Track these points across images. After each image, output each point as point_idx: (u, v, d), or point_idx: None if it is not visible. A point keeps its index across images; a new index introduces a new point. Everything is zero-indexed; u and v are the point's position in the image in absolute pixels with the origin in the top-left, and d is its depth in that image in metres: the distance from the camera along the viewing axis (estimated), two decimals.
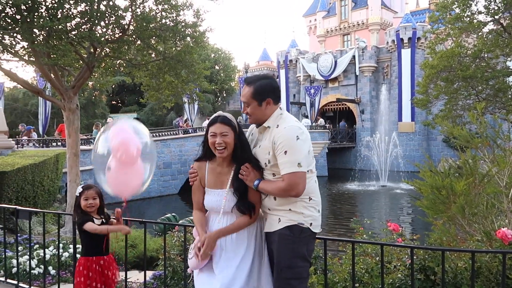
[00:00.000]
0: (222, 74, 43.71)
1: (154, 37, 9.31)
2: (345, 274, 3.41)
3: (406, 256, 3.30)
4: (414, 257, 2.80)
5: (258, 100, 2.35)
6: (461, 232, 4.27)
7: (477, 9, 13.82)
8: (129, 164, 2.74)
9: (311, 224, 2.29)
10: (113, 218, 3.09)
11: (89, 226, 2.96)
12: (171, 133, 22.18)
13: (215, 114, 2.44)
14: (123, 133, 2.77)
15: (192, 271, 2.44)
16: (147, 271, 3.59)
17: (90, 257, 2.99)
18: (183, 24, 9.38)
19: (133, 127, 2.85)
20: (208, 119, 2.83)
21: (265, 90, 2.35)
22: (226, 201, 2.34)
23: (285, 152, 2.19)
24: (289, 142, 2.20)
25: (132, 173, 2.78)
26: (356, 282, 3.23)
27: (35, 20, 7.06)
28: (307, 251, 2.30)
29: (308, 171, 2.28)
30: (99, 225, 2.98)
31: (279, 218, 2.29)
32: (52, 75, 8.61)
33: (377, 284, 3.17)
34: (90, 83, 17.23)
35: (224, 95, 45.56)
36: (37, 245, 5.58)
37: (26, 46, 7.87)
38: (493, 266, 3.08)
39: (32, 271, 4.55)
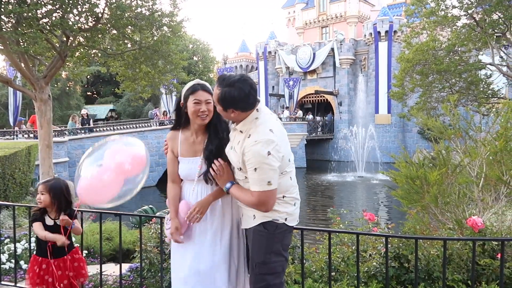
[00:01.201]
0: (200, 65, 43.27)
1: (129, 26, 9.08)
2: (322, 263, 3.45)
3: (381, 245, 3.36)
4: (389, 246, 2.85)
5: (223, 106, 2.19)
6: (434, 220, 4.39)
7: (451, 4, 14.12)
8: (124, 174, 2.68)
9: (286, 219, 2.27)
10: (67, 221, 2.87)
11: (35, 227, 2.84)
12: (146, 125, 21.83)
13: (193, 82, 2.40)
14: (131, 148, 2.79)
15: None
16: (123, 264, 3.54)
17: (37, 257, 2.87)
18: (159, 13, 9.18)
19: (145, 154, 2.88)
20: None
21: (227, 101, 2.15)
22: (201, 169, 2.34)
23: (255, 169, 2.10)
24: (259, 159, 2.08)
25: (116, 183, 2.69)
26: (333, 271, 3.27)
27: (3, 6, 6.75)
28: (282, 246, 2.28)
29: (282, 172, 2.21)
30: (50, 225, 2.83)
31: (254, 215, 2.27)
32: (22, 64, 8.29)
33: (352, 272, 3.22)
34: (64, 73, 16.73)
35: None
36: (7, 239, 5.41)
37: None
38: (463, 253, 3.18)
39: (2, 265, 4.42)
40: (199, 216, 2.31)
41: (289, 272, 3.27)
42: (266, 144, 2.09)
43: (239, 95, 2.12)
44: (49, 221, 2.87)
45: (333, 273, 3.27)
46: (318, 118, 32.77)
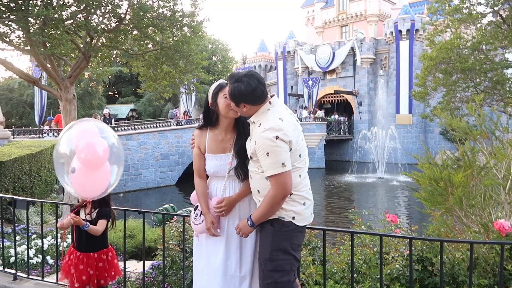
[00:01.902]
0: (219, 65, 43.48)
1: (151, 27, 9.23)
2: (343, 264, 3.42)
3: (404, 247, 3.31)
4: (412, 248, 2.81)
5: (235, 102, 2.28)
6: (459, 223, 4.29)
7: (477, 1, 13.74)
8: (95, 166, 2.66)
9: (293, 218, 2.26)
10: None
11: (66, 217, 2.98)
12: (166, 124, 22.11)
13: (220, 81, 2.50)
14: (88, 134, 2.70)
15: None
16: (145, 261, 3.59)
17: (71, 247, 3.00)
18: (180, 13, 9.29)
19: (97, 127, 2.79)
20: None
21: (236, 96, 2.25)
22: (231, 166, 2.40)
23: (267, 154, 2.15)
24: (269, 143, 2.14)
25: (98, 175, 2.70)
26: (355, 273, 3.24)
27: (30, 8, 6.96)
28: (291, 245, 2.27)
29: (292, 167, 2.23)
30: (83, 219, 2.93)
31: None
32: (48, 64, 8.53)
33: (375, 275, 3.18)
34: (87, 73, 17.11)
35: None
36: (34, 235, 5.58)
37: (21, 35, 7.77)
38: (490, 257, 3.10)
39: (30, 260, 4.56)
40: (225, 211, 2.38)
41: (310, 273, 3.25)
42: (274, 130, 2.15)
43: (246, 89, 2.21)
44: (83, 215, 2.97)
45: (355, 275, 3.23)
46: (341, 118, 32.41)
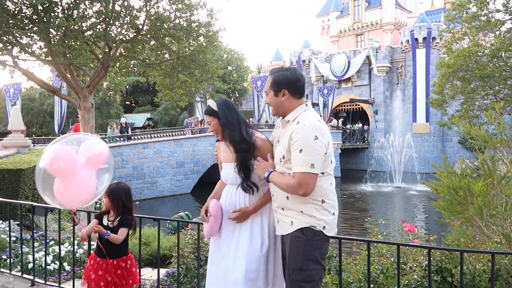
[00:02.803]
0: (234, 75, 43.81)
1: (168, 37, 9.38)
2: (359, 274, 3.36)
3: (422, 257, 3.23)
4: (431, 258, 2.74)
5: (274, 90, 2.33)
6: (479, 233, 4.18)
7: (495, 7, 13.55)
8: (66, 174, 2.64)
9: (324, 227, 2.24)
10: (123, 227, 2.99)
11: (93, 221, 3.04)
12: (182, 133, 22.31)
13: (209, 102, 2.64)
14: (55, 150, 2.70)
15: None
16: (160, 269, 3.60)
17: (92, 253, 3.05)
18: (196, 23, 9.43)
19: (67, 141, 2.80)
20: None
21: (280, 81, 2.31)
22: (233, 173, 2.47)
23: (300, 150, 2.14)
24: (306, 141, 2.14)
25: (77, 183, 2.67)
26: (371, 283, 3.18)
27: (52, 20, 7.17)
28: (320, 254, 2.25)
29: (323, 173, 2.24)
30: (105, 226, 2.97)
31: (292, 221, 2.26)
32: (68, 74, 8.74)
33: (392, 285, 3.12)
34: (105, 83, 17.46)
35: (237, 95, 45.67)
36: (52, 241, 5.66)
37: (42, 46, 8.00)
38: None
39: (47, 266, 4.62)
40: (239, 219, 2.45)
41: (325, 283, 3.21)
42: (313, 129, 2.18)
43: (292, 76, 2.32)
44: (105, 222, 3.01)
45: (372, 285, 3.17)
46: (365, 126, 32.18)
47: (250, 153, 2.42)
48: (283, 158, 2.27)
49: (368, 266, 2.68)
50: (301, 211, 2.24)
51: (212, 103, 2.54)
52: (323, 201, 2.24)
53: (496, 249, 3.20)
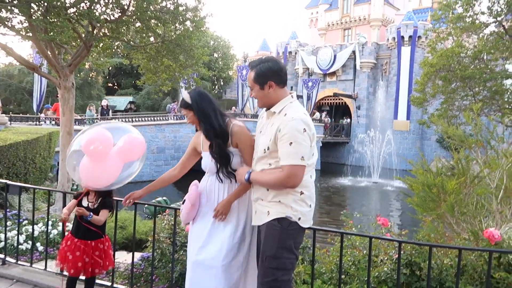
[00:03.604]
0: (220, 62, 43.43)
1: (154, 19, 9.19)
2: (332, 265, 3.44)
3: (393, 251, 3.32)
4: (401, 252, 2.82)
5: (259, 84, 2.32)
6: (449, 230, 4.31)
7: (480, 10, 13.78)
8: (98, 156, 2.75)
9: (299, 218, 2.27)
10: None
11: (71, 202, 3.00)
12: (163, 118, 22.07)
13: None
14: (96, 132, 2.82)
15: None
16: (135, 253, 3.59)
17: (68, 233, 3.02)
18: (183, 7, 9.27)
19: (109, 128, 2.93)
20: None
21: (265, 73, 2.30)
22: (212, 162, 2.51)
23: (291, 143, 2.17)
24: (296, 133, 2.17)
25: (104, 167, 2.78)
26: (343, 274, 3.25)
27: None
28: (294, 244, 2.29)
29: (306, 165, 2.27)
30: (85, 207, 2.94)
31: (268, 211, 2.29)
32: (48, 52, 8.49)
33: (363, 277, 3.20)
34: (87, 63, 17.07)
35: (222, 83, 45.34)
36: (26, 221, 5.56)
37: (23, 21, 7.73)
38: (478, 265, 3.12)
39: (19, 246, 4.54)
40: (223, 216, 2.46)
41: (298, 272, 3.27)
42: (302, 122, 2.21)
43: (274, 66, 2.32)
44: (84, 202, 2.99)
45: (343, 276, 3.25)
46: (346, 120, 32.45)
47: (226, 142, 2.44)
48: (268, 149, 2.28)
49: (340, 257, 2.74)
50: (279, 201, 2.27)
51: (186, 96, 2.52)
52: (302, 193, 2.27)
53: (463, 246, 3.32)
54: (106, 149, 2.76)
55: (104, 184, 2.86)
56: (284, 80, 2.37)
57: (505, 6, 13.00)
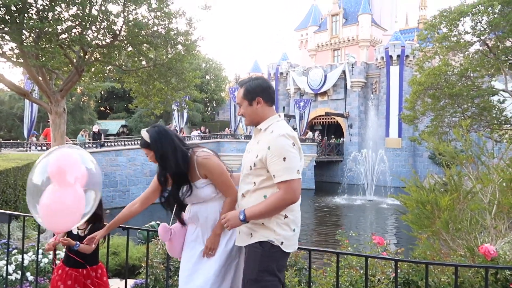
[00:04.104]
0: (212, 84, 43.78)
1: (145, 44, 9.30)
2: (329, 286, 3.38)
3: (390, 270, 3.29)
4: (398, 271, 2.79)
5: (248, 100, 2.34)
6: (445, 247, 4.30)
7: (464, 30, 14.18)
8: (64, 179, 2.44)
9: (282, 243, 2.22)
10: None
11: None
12: None
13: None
14: (66, 156, 2.54)
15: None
16: (128, 279, 3.51)
17: (60, 263, 2.93)
18: (175, 32, 9.39)
19: (78, 153, 2.63)
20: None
21: (254, 89, 2.34)
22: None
23: (284, 158, 2.16)
24: (287, 149, 2.18)
25: (70, 196, 2.47)
26: None
27: (25, 21, 6.98)
28: (277, 266, 2.24)
29: None
30: (75, 234, 2.86)
31: (251, 233, 2.26)
32: (40, 77, 8.50)
33: None
34: (79, 88, 17.10)
35: (214, 105, 45.58)
36: (15, 250, 5.42)
37: (14, 47, 7.77)
38: (475, 281, 3.10)
39: (9, 276, 4.42)
40: (213, 251, 2.43)
41: None
42: (289, 137, 2.22)
43: (264, 83, 2.38)
44: (75, 230, 2.90)
45: None
46: (342, 139, 32.68)
47: (186, 182, 2.42)
48: (254, 165, 2.26)
49: (337, 278, 2.70)
50: (262, 224, 2.23)
51: (145, 135, 2.45)
52: (286, 216, 2.23)
53: (460, 262, 3.30)
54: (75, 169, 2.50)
55: (74, 218, 2.57)
56: (272, 98, 2.39)
57: (488, 26, 13.39)
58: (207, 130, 28.93)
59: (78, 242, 2.80)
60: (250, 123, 2.41)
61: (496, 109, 14.74)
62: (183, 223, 2.56)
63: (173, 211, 2.50)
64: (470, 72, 14.59)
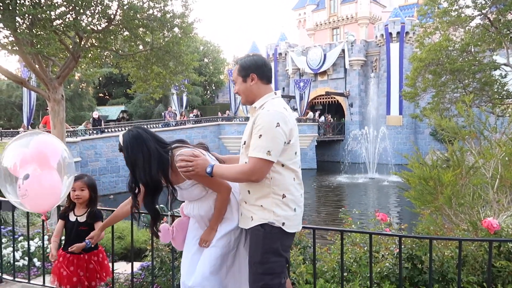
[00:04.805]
0: (211, 67, 43.43)
1: (141, 28, 9.16)
2: (333, 263, 3.42)
3: (394, 246, 3.31)
4: (402, 247, 2.81)
5: (242, 76, 2.29)
6: (448, 222, 4.32)
7: (465, 3, 13.92)
8: (48, 162, 2.54)
9: (283, 223, 2.19)
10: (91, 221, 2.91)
11: (58, 223, 2.93)
12: (155, 125, 21.98)
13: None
14: (48, 142, 2.63)
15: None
16: (135, 262, 3.55)
17: (60, 250, 2.93)
18: (171, 14, 9.24)
19: (56, 140, 2.76)
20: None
21: (248, 66, 2.28)
22: (185, 191, 2.42)
23: (260, 135, 2.09)
24: (267, 126, 2.09)
25: (52, 180, 2.55)
26: (345, 271, 3.24)
27: (18, 8, 6.86)
28: (282, 246, 2.22)
29: (283, 165, 2.19)
30: (72, 221, 2.88)
31: (252, 216, 2.23)
32: (36, 65, 8.41)
33: (365, 273, 3.18)
34: (77, 74, 16.98)
35: (213, 88, 45.32)
36: (21, 237, 5.48)
37: (8, 35, 7.66)
38: (478, 255, 3.12)
39: (16, 263, 4.48)
40: (208, 243, 2.40)
41: (300, 272, 3.24)
42: (277, 115, 2.13)
43: (259, 60, 2.31)
44: (72, 217, 2.91)
45: (345, 274, 3.23)
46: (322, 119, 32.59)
47: (159, 191, 2.34)
48: (245, 143, 2.23)
49: (341, 255, 2.72)
50: (261, 206, 2.20)
51: (120, 139, 2.32)
52: (284, 196, 2.19)
53: (463, 237, 3.32)
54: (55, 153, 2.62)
55: (55, 200, 2.67)
56: (268, 76, 2.32)
57: None
58: (199, 113, 28.28)
59: (89, 240, 2.82)
60: (245, 101, 2.34)
61: (497, 83, 14.61)
62: (157, 236, 2.52)
63: (170, 200, 2.42)
64: (472, 47, 14.39)
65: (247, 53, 2.42)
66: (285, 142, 2.15)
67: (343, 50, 31.53)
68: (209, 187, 2.34)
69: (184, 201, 2.57)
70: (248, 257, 2.32)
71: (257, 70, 2.27)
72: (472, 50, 14.59)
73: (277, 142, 2.10)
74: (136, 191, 2.37)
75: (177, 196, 2.38)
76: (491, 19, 13.68)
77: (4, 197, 2.77)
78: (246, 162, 2.19)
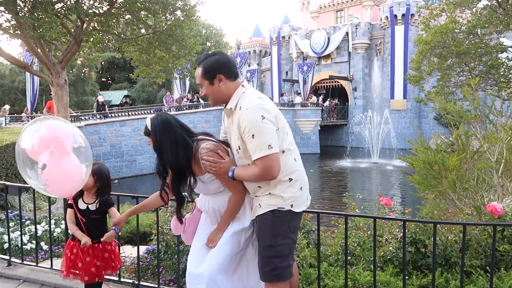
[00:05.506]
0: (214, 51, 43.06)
1: (143, 11, 9.05)
2: (337, 247, 3.45)
3: (398, 230, 3.33)
4: (406, 231, 2.82)
5: (209, 79, 2.21)
6: (452, 206, 4.33)
7: None
8: (64, 155, 2.51)
9: (292, 205, 2.22)
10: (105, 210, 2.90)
11: (67, 214, 2.88)
12: (159, 110, 21.92)
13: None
14: (58, 128, 2.60)
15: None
16: (140, 246, 3.59)
17: (70, 241, 2.89)
18: None
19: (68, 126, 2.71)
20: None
21: (212, 67, 2.19)
22: (201, 185, 2.42)
23: (253, 135, 2.07)
24: (254, 124, 2.06)
25: (70, 164, 2.54)
26: (348, 255, 3.26)
27: None
28: (289, 228, 2.25)
29: (283, 151, 2.19)
30: (83, 209, 2.84)
31: (260, 204, 2.25)
32: (38, 49, 8.37)
33: (369, 257, 3.21)
34: (79, 59, 16.89)
35: None
36: (28, 221, 5.55)
37: (10, 19, 7.60)
38: (482, 239, 3.13)
39: (24, 246, 4.54)
40: (214, 243, 2.39)
41: (304, 256, 3.27)
42: (257, 109, 2.10)
43: (222, 58, 2.21)
44: (82, 205, 2.86)
45: (349, 257, 3.26)
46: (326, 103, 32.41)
47: (185, 177, 2.33)
48: (239, 148, 2.21)
49: (345, 239, 2.73)
50: (269, 193, 2.22)
51: (148, 122, 2.33)
52: (290, 179, 2.21)
53: (467, 221, 3.33)
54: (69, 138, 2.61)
55: (77, 184, 2.66)
56: (235, 72, 2.25)
57: None
58: (195, 96, 27.53)
59: (117, 227, 2.80)
60: (215, 102, 2.29)
61: (504, 66, 14.40)
62: (181, 221, 2.53)
63: (189, 191, 2.45)
64: (478, 29, 14.14)
65: (207, 52, 2.31)
66: (276, 129, 2.14)
67: (347, 33, 31.10)
68: (225, 186, 2.35)
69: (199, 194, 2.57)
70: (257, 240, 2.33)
71: (222, 69, 2.19)
72: (479, 32, 14.34)
73: (270, 133, 2.09)
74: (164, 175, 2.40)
75: (195, 189, 2.38)
76: (499, 0, 13.40)
77: (11, 181, 2.77)
78: (249, 164, 2.20)
